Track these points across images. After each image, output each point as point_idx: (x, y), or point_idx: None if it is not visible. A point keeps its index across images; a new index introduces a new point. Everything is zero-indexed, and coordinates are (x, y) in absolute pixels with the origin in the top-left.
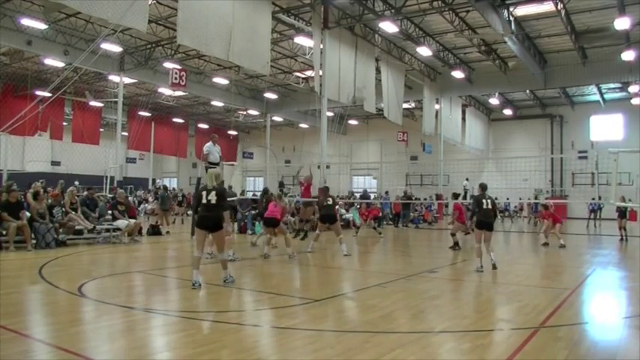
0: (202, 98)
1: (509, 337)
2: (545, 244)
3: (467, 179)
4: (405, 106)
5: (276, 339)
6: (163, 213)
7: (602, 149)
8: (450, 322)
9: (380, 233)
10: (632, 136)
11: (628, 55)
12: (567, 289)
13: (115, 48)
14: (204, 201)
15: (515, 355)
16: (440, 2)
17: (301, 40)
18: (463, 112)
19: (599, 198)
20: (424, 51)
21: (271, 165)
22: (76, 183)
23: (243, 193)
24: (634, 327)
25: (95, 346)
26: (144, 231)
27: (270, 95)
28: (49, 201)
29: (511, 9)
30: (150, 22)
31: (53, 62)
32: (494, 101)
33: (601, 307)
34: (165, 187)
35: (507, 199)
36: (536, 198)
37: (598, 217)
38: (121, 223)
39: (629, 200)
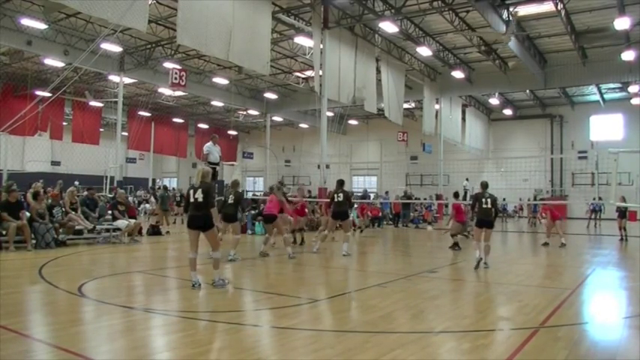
0: (202, 98)
1: (509, 337)
2: (546, 244)
3: (467, 179)
4: (405, 106)
5: (276, 339)
6: (163, 213)
7: (602, 149)
8: (450, 322)
9: (361, 231)
10: (632, 136)
11: (628, 55)
12: (567, 289)
13: (115, 48)
14: (192, 200)
15: (515, 355)
16: (440, 2)
17: (301, 40)
18: (463, 112)
19: (600, 198)
20: (424, 51)
21: (271, 165)
22: (76, 183)
23: (243, 192)
24: (634, 327)
25: (95, 346)
26: (144, 231)
27: (270, 95)
28: (49, 201)
29: (511, 9)
30: (150, 22)
31: (53, 62)
32: (494, 101)
33: (601, 307)
34: (165, 187)
35: (504, 199)
36: (535, 198)
37: (598, 217)
38: (121, 223)
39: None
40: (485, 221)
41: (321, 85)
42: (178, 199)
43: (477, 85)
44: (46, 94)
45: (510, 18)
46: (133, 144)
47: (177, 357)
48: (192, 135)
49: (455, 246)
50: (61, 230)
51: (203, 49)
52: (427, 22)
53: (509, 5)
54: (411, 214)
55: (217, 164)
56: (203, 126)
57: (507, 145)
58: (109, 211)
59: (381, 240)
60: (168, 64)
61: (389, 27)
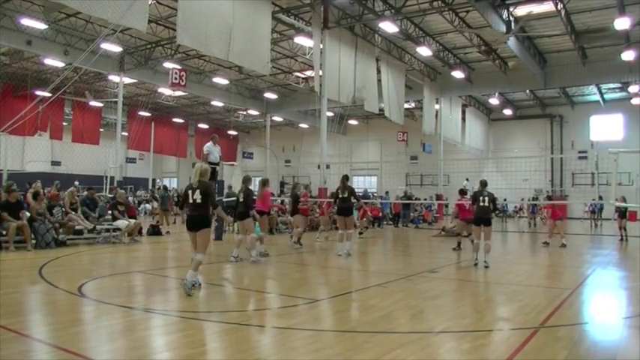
0: (202, 98)
1: (509, 337)
2: (546, 244)
3: (467, 179)
4: (405, 106)
5: (276, 339)
6: (163, 213)
7: (602, 149)
8: (450, 322)
9: (360, 233)
10: (632, 136)
11: (628, 55)
12: (567, 289)
13: (115, 48)
14: (190, 200)
15: (515, 355)
16: (440, 2)
17: (301, 40)
18: (463, 112)
19: (600, 198)
20: (424, 51)
21: (271, 165)
22: (76, 183)
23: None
24: (634, 327)
25: (95, 346)
26: (144, 231)
27: (270, 95)
28: (47, 202)
29: (511, 9)
30: (150, 22)
31: (53, 62)
32: (494, 101)
33: (601, 307)
34: (165, 187)
35: (505, 199)
36: (534, 199)
37: (599, 217)
38: (121, 223)
39: (623, 199)
40: (483, 219)
41: (321, 85)
42: (176, 199)
43: (477, 85)
44: (46, 94)
45: (511, 18)
46: (133, 144)
47: (177, 357)
48: (192, 135)
49: (457, 246)
50: (61, 230)
51: (203, 49)
52: (427, 22)
53: (510, 5)
54: (411, 214)
55: (217, 164)
56: (203, 126)
57: (507, 145)
58: (109, 211)
59: (381, 240)
60: (168, 64)
61: (389, 27)
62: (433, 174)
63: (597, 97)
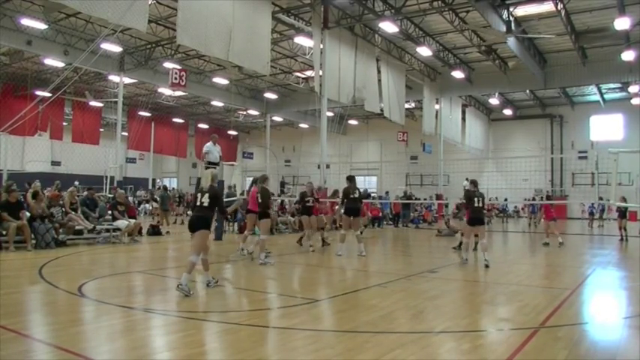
0: (202, 98)
1: (509, 337)
2: (546, 244)
3: (467, 179)
4: (405, 106)
5: (276, 339)
6: (163, 213)
7: (602, 149)
8: (450, 322)
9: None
10: (632, 136)
11: (628, 55)
12: (567, 289)
13: (115, 48)
14: (198, 203)
15: (515, 355)
16: (440, 2)
17: (301, 40)
18: (463, 112)
19: (600, 198)
20: (424, 51)
21: (271, 165)
22: (76, 183)
23: (243, 193)
24: (634, 327)
25: (95, 346)
26: (144, 231)
27: (270, 95)
28: (47, 202)
29: (511, 9)
30: (150, 22)
31: (53, 62)
32: (494, 101)
33: (601, 307)
34: (165, 187)
35: (505, 199)
36: (533, 199)
37: (601, 217)
38: (121, 223)
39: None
40: (479, 219)
41: (321, 85)
42: (178, 199)
43: (477, 85)
44: (46, 94)
45: (511, 18)
46: (133, 144)
47: (177, 357)
48: (192, 135)
49: (458, 246)
50: (61, 230)
51: (203, 49)
52: (427, 22)
53: (510, 5)
54: (411, 214)
55: (217, 164)
56: (203, 126)
57: (507, 145)
58: (109, 212)
59: (381, 240)
60: (168, 64)
61: (389, 27)
62: (433, 174)
63: (597, 97)
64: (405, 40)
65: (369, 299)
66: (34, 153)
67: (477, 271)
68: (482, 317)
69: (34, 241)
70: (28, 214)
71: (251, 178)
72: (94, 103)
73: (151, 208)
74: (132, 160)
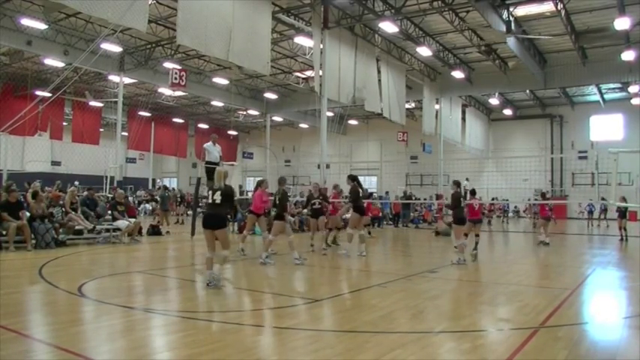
0: (202, 98)
1: (509, 337)
2: (546, 244)
3: (467, 179)
4: (405, 106)
5: (276, 339)
6: (164, 213)
7: (602, 149)
8: (450, 322)
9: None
10: (632, 136)
11: (628, 55)
12: (567, 289)
13: (115, 48)
14: (209, 200)
15: (515, 355)
16: (440, 2)
17: (301, 40)
18: (463, 112)
19: (602, 199)
20: (424, 51)
21: (271, 165)
22: (76, 183)
23: (242, 192)
24: (634, 327)
25: (95, 346)
26: (144, 231)
27: (270, 95)
28: (48, 202)
29: (511, 9)
30: (150, 22)
31: (53, 62)
32: (494, 101)
33: (601, 307)
34: (165, 187)
35: (506, 199)
36: (536, 199)
37: (602, 217)
38: (121, 223)
39: (623, 199)
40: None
41: (321, 85)
42: (179, 200)
43: (477, 85)
44: (46, 94)
45: (511, 18)
46: (133, 144)
47: (177, 357)
48: (192, 135)
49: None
50: (61, 230)
51: (203, 49)
52: (427, 22)
53: (510, 5)
54: (411, 214)
55: (217, 164)
56: (203, 126)
57: (507, 145)
58: (109, 211)
59: (381, 240)
60: (168, 64)
61: (389, 27)
62: (433, 174)
63: (597, 97)
64: (405, 40)
65: (369, 299)
66: (34, 153)
67: (477, 271)
68: (482, 317)
69: (34, 241)
70: (28, 214)
71: (252, 178)
72: (94, 103)
73: (151, 208)
74: (132, 160)
